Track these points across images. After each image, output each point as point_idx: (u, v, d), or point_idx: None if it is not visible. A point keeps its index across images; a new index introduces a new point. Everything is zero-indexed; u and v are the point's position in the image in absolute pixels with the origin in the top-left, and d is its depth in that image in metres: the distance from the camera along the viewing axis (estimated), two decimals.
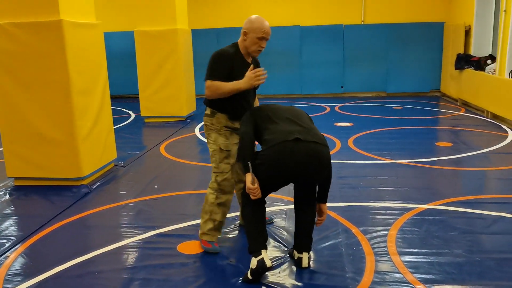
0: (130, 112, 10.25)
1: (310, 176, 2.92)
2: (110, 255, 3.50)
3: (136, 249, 3.58)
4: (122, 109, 10.71)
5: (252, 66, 3.24)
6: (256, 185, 2.87)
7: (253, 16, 3.27)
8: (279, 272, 3.16)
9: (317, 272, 3.15)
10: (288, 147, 2.80)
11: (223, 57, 3.25)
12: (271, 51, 11.85)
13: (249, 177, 2.90)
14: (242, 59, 3.34)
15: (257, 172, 2.90)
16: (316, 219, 3.20)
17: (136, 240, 3.73)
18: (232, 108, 3.36)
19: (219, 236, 3.56)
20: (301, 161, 2.81)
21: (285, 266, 3.24)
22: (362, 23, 11.96)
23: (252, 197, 2.91)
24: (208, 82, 3.23)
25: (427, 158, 5.92)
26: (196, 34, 11.25)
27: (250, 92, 3.43)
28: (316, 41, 11.86)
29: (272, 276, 3.09)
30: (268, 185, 2.97)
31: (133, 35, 8.83)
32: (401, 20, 11.72)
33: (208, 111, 3.42)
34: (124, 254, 3.50)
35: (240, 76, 3.24)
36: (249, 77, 3.15)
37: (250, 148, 2.97)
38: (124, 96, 12.75)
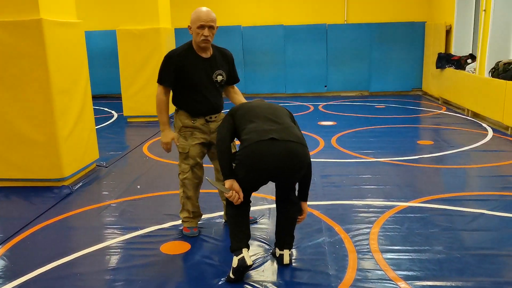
0: (113, 112, 10.17)
1: (287, 175, 2.93)
2: (92, 256, 3.47)
3: (119, 250, 3.56)
4: (105, 109, 10.62)
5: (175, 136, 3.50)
6: (233, 192, 2.89)
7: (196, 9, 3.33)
8: (263, 271, 3.17)
9: (300, 269, 3.17)
10: (264, 147, 2.81)
11: (169, 60, 3.35)
12: (255, 51, 11.88)
13: (228, 183, 2.92)
14: (195, 55, 3.38)
15: (236, 172, 2.93)
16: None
17: (119, 241, 3.70)
18: (189, 104, 3.45)
19: (198, 222, 3.82)
20: (276, 161, 2.82)
21: (268, 264, 3.25)
22: (345, 22, 12.03)
23: (234, 202, 2.93)
24: (158, 89, 3.46)
25: (408, 156, 5.99)
26: (180, 33, 11.21)
27: (208, 88, 3.45)
28: (300, 41, 11.90)
29: (255, 275, 3.10)
30: (248, 185, 2.97)
31: (115, 34, 8.72)
32: (383, 19, 11.83)
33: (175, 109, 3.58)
34: (107, 255, 3.48)
35: (195, 73, 3.36)
36: (163, 141, 3.54)
37: (227, 156, 2.97)
38: (106, 96, 12.63)
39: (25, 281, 3.13)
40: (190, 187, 3.58)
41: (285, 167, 2.85)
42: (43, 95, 4.75)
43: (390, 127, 7.93)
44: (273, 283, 3.00)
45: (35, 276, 3.19)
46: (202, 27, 3.25)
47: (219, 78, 3.48)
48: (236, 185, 2.90)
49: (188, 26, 3.34)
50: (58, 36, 4.86)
